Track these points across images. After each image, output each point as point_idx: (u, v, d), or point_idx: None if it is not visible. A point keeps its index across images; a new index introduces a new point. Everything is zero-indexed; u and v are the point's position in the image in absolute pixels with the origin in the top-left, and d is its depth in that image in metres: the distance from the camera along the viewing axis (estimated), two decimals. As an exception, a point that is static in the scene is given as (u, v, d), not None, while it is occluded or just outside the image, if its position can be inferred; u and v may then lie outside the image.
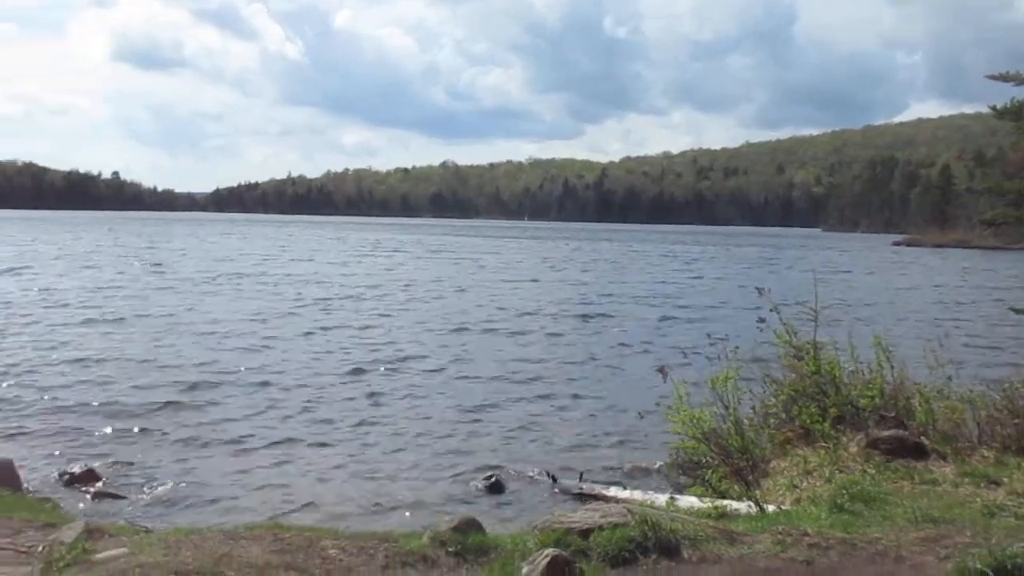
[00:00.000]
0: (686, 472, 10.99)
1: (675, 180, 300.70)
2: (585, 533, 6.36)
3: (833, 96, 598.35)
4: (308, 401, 16.59)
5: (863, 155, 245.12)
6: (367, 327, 27.35)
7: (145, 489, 11.46)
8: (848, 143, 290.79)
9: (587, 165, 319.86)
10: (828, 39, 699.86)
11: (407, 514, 10.65)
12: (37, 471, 11.83)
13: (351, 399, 16.96)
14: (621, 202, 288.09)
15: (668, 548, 6.21)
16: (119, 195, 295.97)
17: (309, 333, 25.52)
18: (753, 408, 10.76)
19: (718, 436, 9.65)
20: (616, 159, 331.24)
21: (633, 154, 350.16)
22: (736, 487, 9.31)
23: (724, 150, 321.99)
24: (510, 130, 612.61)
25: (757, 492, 8.77)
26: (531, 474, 12.51)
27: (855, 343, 10.86)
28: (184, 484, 11.68)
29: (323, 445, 13.76)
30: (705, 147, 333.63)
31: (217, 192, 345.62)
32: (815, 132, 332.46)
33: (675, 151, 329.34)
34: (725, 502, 8.49)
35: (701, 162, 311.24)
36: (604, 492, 10.89)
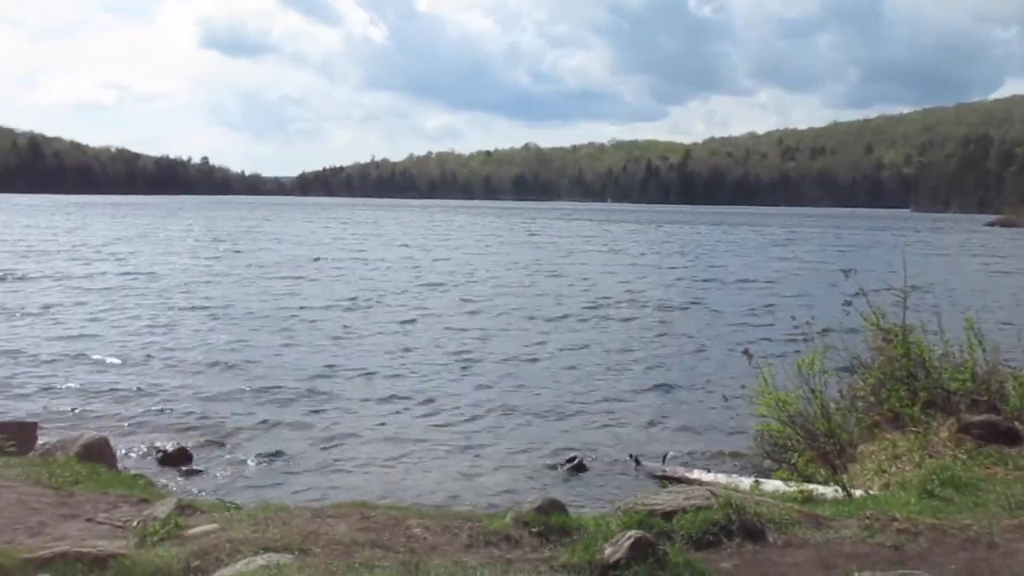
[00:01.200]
0: (771, 456, 10.86)
1: (760, 161, 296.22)
2: (668, 515, 6.33)
3: (924, 73, 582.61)
4: (394, 384, 16.75)
5: (955, 133, 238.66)
6: (457, 312, 27.49)
7: (234, 467, 11.71)
8: (940, 121, 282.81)
9: (670, 147, 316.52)
10: (919, 15, 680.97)
11: (491, 494, 10.71)
12: (131, 448, 12.16)
13: (438, 382, 17.09)
14: (705, 184, 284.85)
15: (753, 531, 6.15)
16: (208, 180, 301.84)
17: (404, 320, 25.59)
18: (840, 391, 10.58)
19: (804, 419, 9.52)
20: (700, 140, 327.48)
21: (717, 135, 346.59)
22: (822, 471, 9.17)
23: (811, 130, 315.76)
24: (593, 112, 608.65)
25: (844, 476, 8.63)
26: (614, 456, 12.49)
27: (945, 326, 10.59)
28: (272, 463, 11.90)
29: (409, 427, 13.90)
30: (791, 127, 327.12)
31: (303, 176, 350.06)
32: (905, 110, 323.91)
33: (760, 132, 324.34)
34: (811, 486, 8.38)
35: (787, 143, 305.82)
36: (687, 475, 10.82)
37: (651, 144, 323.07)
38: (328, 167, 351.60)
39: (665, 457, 12.17)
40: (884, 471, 8.71)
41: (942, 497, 7.08)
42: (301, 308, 26.94)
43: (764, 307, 29.73)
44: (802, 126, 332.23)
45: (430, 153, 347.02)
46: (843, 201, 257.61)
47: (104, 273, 36.55)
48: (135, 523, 6.24)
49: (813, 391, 9.46)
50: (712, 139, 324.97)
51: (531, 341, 21.90)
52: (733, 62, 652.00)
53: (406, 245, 62.02)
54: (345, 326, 23.66)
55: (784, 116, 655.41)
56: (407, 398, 15.66)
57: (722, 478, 10.14)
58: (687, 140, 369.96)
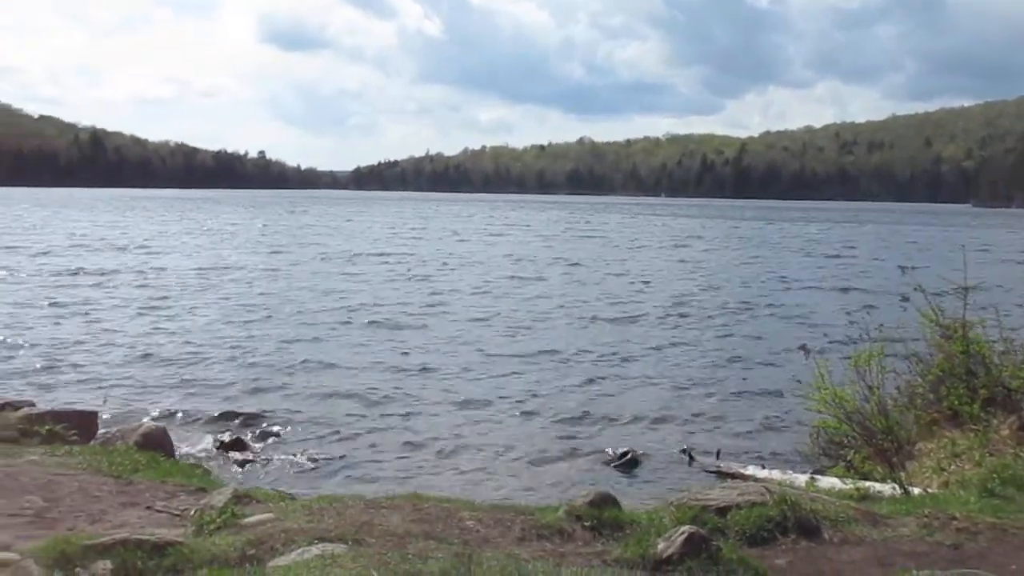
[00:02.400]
0: (827, 452, 10.74)
1: (817, 155, 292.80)
2: (722, 511, 6.29)
3: (986, 65, 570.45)
4: (449, 379, 16.79)
5: (1017, 127, 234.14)
6: (512, 308, 27.55)
7: (289, 458, 11.82)
8: (1002, 114, 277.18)
9: (726, 140, 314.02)
10: (982, 5, 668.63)
11: (543, 488, 10.72)
12: (189, 438, 12.32)
13: (491, 377, 17.12)
14: (760, 178, 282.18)
15: (808, 528, 6.10)
16: (265, 174, 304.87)
17: (467, 318, 25.68)
18: (898, 388, 10.43)
19: (861, 416, 9.41)
20: (756, 134, 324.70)
21: (773, 128, 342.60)
22: (879, 469, 9.05)
23: (869, 123, 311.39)
24: (647, 105, 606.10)
25: (902, 474, 8.52)
26: (667, 451, 12.45)
27: (1006, 323, 10.39)
28: (326, 455, 12.00)
29: (463, 420, 13.94)
30: (849, 121, 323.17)
31: (358, 170, 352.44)
32: (966, 103, 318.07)
33: (817, 125, 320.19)
34: (868, 484, 8.27)
35: (844, 136, 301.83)
36: (742, 471, 10.75)
37: (706, 138, 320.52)
38: (383, 161, 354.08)
39: (719, 453, 12.10)
40: (943, 469, 8.58)
41: (1003, 496, 6.96)
42: (363, 304, 27.07)
43: (820, 303, 29.41)
44: (860, 119, 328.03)
45: (484, 147, 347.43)
46: (901, 196, 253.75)
47: (165, 268, 37.05)
48: (193, 512, 6.33)
49: (870, 387, 9.34)
50: (768, 133, 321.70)
51: (585, 338, 21.83)
52: (790, 54, 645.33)
53: (467, 240, 62.16)
54: (404, 322, 23.72)
55: (842, 109, 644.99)
56: (462, 393, 15.70)
57: (777, 474, 10.06)
58: (743, 134, 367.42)
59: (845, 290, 33.32)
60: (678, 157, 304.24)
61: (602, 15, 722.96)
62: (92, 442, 9.56)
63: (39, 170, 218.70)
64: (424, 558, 5.12)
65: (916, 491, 7.71)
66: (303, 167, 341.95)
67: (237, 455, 11.76)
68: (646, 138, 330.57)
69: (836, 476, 9.24)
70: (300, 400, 14.86)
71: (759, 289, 33.58)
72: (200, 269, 36.27)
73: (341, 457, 11.91)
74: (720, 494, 6.66)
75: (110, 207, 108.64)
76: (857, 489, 7.92)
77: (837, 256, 52.72)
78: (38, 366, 16.85)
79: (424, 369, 17.44)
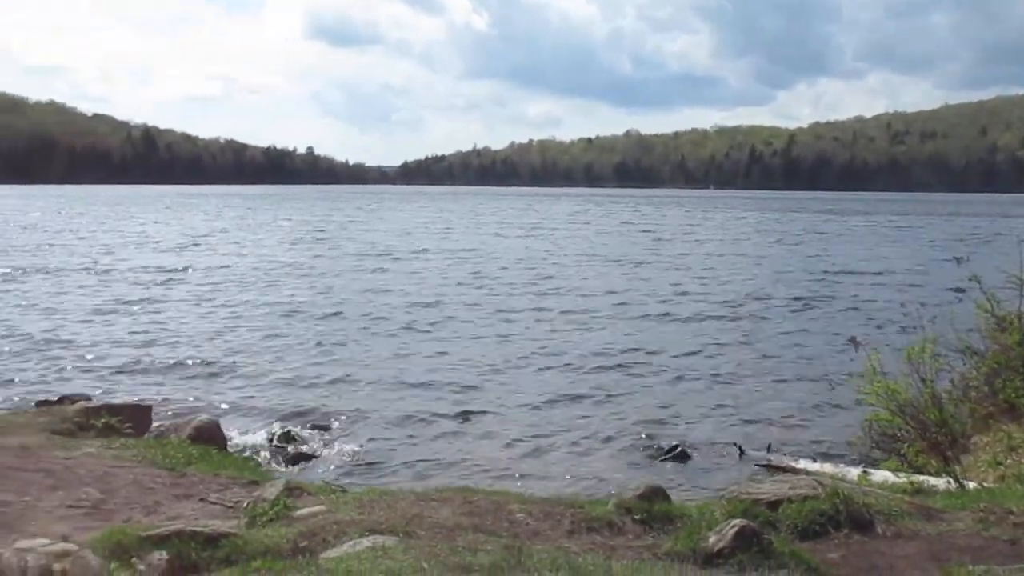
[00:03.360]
0: (879, 446, 10.62)
1: (867, 145, 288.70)
2: (774, 505, 6.25)
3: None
4: (499, 373, 16.82)
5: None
6: (569, 302, 27.56)
7: (340, 451, 11.90)
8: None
9: (775, 132, 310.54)
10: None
11: (593, 481, 10.71)
12: (241, 431, 12.44)
13: (542, 371, 17.14)
14: (810, 169, 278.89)
15: (861, 522, 6.04)
16: (313, 169, 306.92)
17: (516, 312, 25.78)
18: (952, 381, 10.29)
19: (914, 409, 9.28)
20: (805, 125, 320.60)
21: (823, 119, 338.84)
22: (934, 462, 8.94)
23: (921, 113, 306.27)
24: (695, 97, 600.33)
25: (956, 468, 8.40)
26: (717, 445, 12.37)
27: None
28: (376, 448, 12.07)
29: (512, 414, 13.96)
30: (900, 110, 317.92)
31: (405, 165, 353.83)
32: (1022, 92, 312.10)
33: (868, 115, 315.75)
34: (922, 477, 8.18)
35: (896, 126, 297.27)
36: (793, 464, 10.65)
37: (755, 129, 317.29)
38: (430, 156, 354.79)
39: (769, 446, 12.01)
40: (999, 463, 8.47)
41: (1061, 490, 6.85)
42: (419, 300, 27.16)
43: (873, 295, 29.04)
44: (911, 109, 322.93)
45: (531, 141, 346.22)
46: (955, 186, 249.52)
47: (224, 266, 37.49)
48: (245, 504, 6.40)
49: (923, 380, 9.21)
50: (818, 123, 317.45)
51: (635, 332, 21.77)
52: (841, 44, 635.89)
53: (514, 235, 62.21)
54: (457, 317, 23.77)
55: (893, 99, 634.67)
56: (512, 388, 15.72)
57: (828, 468, 9.96)
58: (793, 125, 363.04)
59: (898, 282, 32.88)
60: (726, 149, 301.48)
61: (650, 7, 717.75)
62: (146, 435, 9.69)
63: (92, 168, 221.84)
64: (474, 550, 5.14)
65: (971, 485, 7.61)
66: (351, 162, 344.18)
67: (288, 448, 11.86)
68: (694, 130, 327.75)
69: (889, 470, 9.14)
70: (350, 395, 14.96)
71: (810, 282, 33.20)
72: (256, 266, 36.61)
73: (391, 451, 11.98)
74: (771, 488, 6.62)
75: (165, 204, 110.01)
76: (911, 483, 7.82)
77: (890, 247, 52.05)
78: (93, 361, 17.13)
79: (475, 365, 17.45)
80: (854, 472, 9.27)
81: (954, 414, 9.49)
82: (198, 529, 5.27)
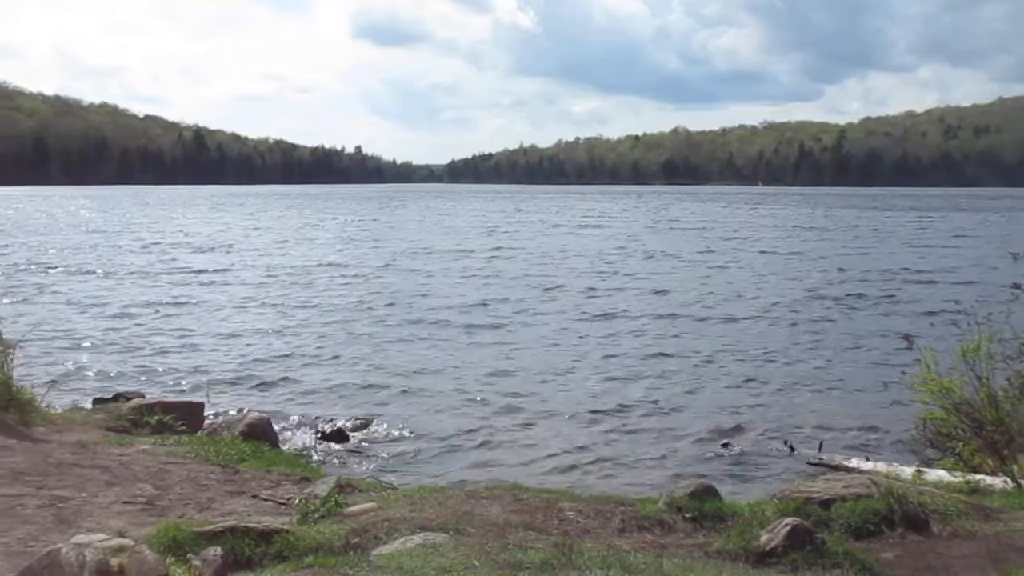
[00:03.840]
0: (934, 444, 10.46)
1: (919, 140, 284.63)
2: (826, 504, 6.20)
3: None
4: (547, 371, 16.78)
5: None
6: (625, 300, 27.49)
7: (390, 449, 11.95)
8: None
9: (824, 127, 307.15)
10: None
11: (643, 479, 10.65)
12: (291, 428, 12.55)
13: (590, 367, 17.10)
14: (860, 165, 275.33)
15: (916, 522, 5.97)
16: (361, 168, 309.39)
17: (565, 308, 25.72)
18: (1008, 379, 10.11)
19: (969, 407, 9.13)
20: (855, 120, 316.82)
21: (874, 114, 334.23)
22: (990, 462, 8.78)
23: (974, 107, 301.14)
24: (743, 93, 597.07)
25: (1014, 467, 8.26)
26: (768, 443, 12.27)
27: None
28: (426, 445, 12.10)
29: (560, 411, 13.93)
30: (953, 105, 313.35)
31: (452, 164, 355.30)
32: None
33: (919, 110, 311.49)
34: (978, 477, 8.06)
35: (948, 121, 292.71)
36: (845, 463, 10.54)
37: (803, 125, 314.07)
38: (477, 154, 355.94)
39: (821, 444, 11.89)
40: (1057, 462, 8.31)
41: (1122, 490, 6.72)
42: (472, 300, 27.14)
43: (926, 292, 28.67)
44: (965, 103, 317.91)
45: (578, 139, 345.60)
46: (1009, 181, 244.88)
47: (275, 266, 37.88)
48: (297, 500, 6.45)
49: (979, 378, 9.06)
50: (868, 119, 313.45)
51: (684, 328, 21.66)
52: (892, 38, 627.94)
53: (569, 232, 62.16)
54: (508, 317, 23.78)
55: (945, 93, 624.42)
56: (560, 386, 15.69)
57: (882, 466, 9.84)
58: (842, 120, 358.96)
59: (952, 279, 32.42)
60: (775, 145, 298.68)
61: (697, 3, 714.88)
62: (199, 432, 9.81)
63: (145, 169, 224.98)
64: (524, 548, 5.15)
65: (1029, 485, 7.48)
66: (399, 161, 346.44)
67: (338, 446, 11.92)
68: (742, 126, 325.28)
69: (944, 469, 9.01)
70: (400, 394, 15.00)
71: (863, 279, 32.76)
72: (304, 266, 36.88)
73: (440, 448, 12.00)
74: (824, 486, 6.56)
75: (214, 204, 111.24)
76: (967, 482, 7.72)
77: (944, 244, 51.30)
78: (147, 360, 17.36)
79: (524, 365, 17.39)
80: (908, 471, 9.15)
81: (1011, 412, 9.32)
82: (251, 525, 5.32)
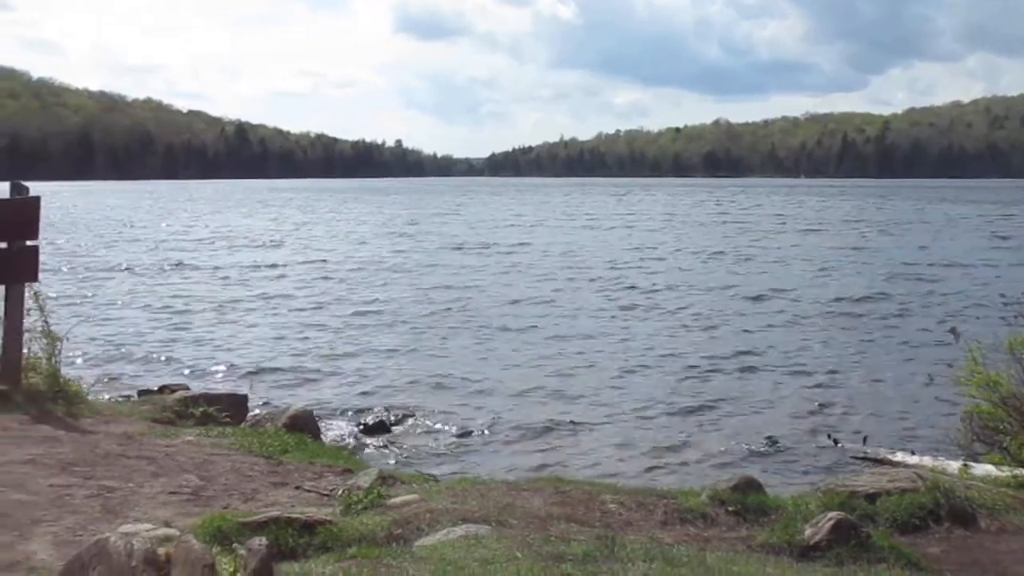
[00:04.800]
0: (980, 439, 10.31)
1: (965, 131, 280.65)
2: (871, 498, 6.15)
3: None
4: (589, 365, 16.74)
5: None
6: (660, 294, 27.45)
7: (431, 441, 11.99)
8: None
9: (867, 118, 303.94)
10: None
11: (685, 472, 10.61)
12: (334, 420, 12.62)
13: (633, 361, 17.05)
14: (905, 156, 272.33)
15: (963, 517, 5.91)
16: (402, 162, 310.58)
17: (607, 304, 25.71)
18: (1058, 373, 9.95)
19: (1017, 401, 9.00)
20: (900, 111, 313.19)
21: (918, 105, 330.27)
22: (1039, 456, 8.66)
23: (1022, 96, 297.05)
24: (786, 84, 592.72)
25: (1063, 462, 8.14)
26: (811, 436, 12.18)
27: None
28: (467, 437, 12.12)
29: (602, 405, 13.91)
30: (1000, 95, 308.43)
31: (492, 157, 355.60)
32: None
33: (965, 100, 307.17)
34: (1026, 471, 7.94)
35: (995, 111, 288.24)
36: (890, 456, 10.43)
37: (847, 116, 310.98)
38: (517, 147, 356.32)
39: (865, 438, 11.78)
40: (1108, 457, 8.17)
41: None
42: (511, 294, 27.15)
43: (972, 285, 28.30)
44: (1012, 92, 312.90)
45: (618, 131, 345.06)
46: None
47: (317, 261, 38.23)
48: (340, 492, 6.49)
49: (1027, 371, 8.93)
50: (913, 110, 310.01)
51: (725, 325, 21.51)
52: (939, 26, 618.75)
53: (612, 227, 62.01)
54: (551, 312, 23.72)
55: (993, 83, 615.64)
56: (602, 379, 15.66)
57: (927, 461, 9.73)
58: (886, 111, 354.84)
59: (999, 272, 32.00)
60: (818, 137, 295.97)
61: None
62: (243, 424, 9.88)
63: (188, 164, 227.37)
64: (567, 540, 5.15)
65: (1079, 480, 7.36)
66: (439, 155, 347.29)
67: (380, 438, 11.98)
68: (784, 118, 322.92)
69: (991, 463, 8.89)
70: (441, 387, 15.04)
71: (909, 271, 32.38)
72: (346, 261, 37.05)
73: (481, 441, 12.03)
74: (869, 480, 6.52)
75: (257, 199, 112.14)
76: (1014, 477, 7.61)
77: (990, 236, 50.57)
78: (191, 353, 17.55)
79: (567, 360, 17.30)
80: (954, 465, 9.04)
81: (1060, 406, 9.18)
82: (295, 516, 5.36)
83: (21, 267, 9.03)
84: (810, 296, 25.89)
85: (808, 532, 5.46)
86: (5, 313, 8.96)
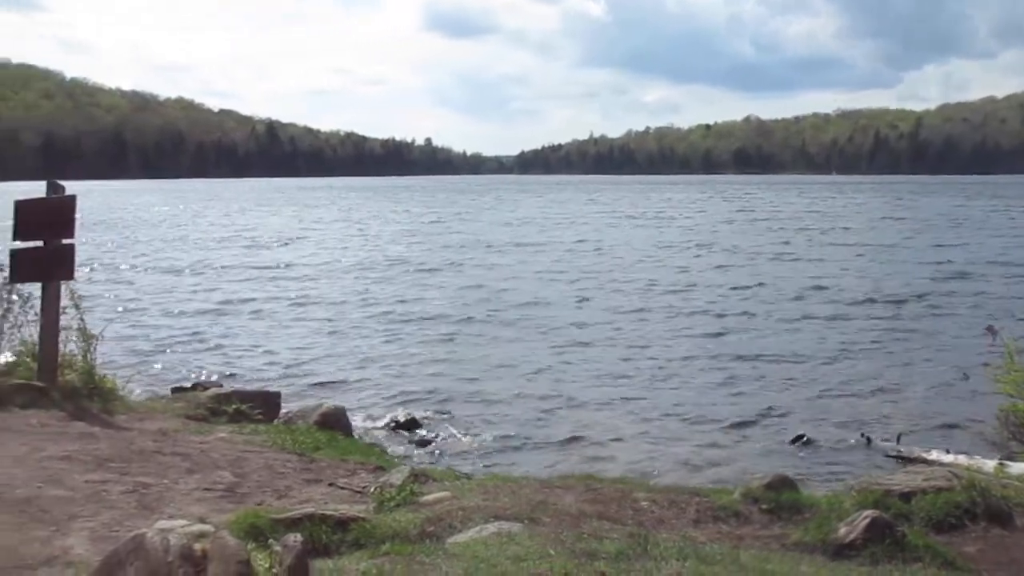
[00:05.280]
0: (1017, 437, 10.21)
1: (999, 126, 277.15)
2: (906, 496, 6.11)
3: None
4: (619, 364, 16.68)
5: None
6: (692, 293, 27.38)
7: (462, 438, 12.00)
8: None
9: (900, 114, 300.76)
10: None
11: (717, 470, 10.56)
12: (365, 417, 12.66)
13: (664, 360, 16.98)
14: (938, 152, 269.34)
15: (999, 515, 5.86)
16: (431, 160, 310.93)
17: (639, 301, 25.68)
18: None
19: (1054, 399, 8.91)
20: (933, 107, 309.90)
21: (952, 101, 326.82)
22: (1077, 455, 8.58)
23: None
24: (818, 81, 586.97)
25: (1101, 461, 8.06)
26: (844, 434, 12.09)
27: None
28: (498, 434, 12.12)
29: (632, 399, 13.90)
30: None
31: (522, 154, 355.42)
32: None
33: (1000, 95, 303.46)
34: (1063, 471, 7.86)
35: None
36: (924, 455, 10.36)
37: (879, 113, 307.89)
38: (547, 145, 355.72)
39: (899, 437, 11.69)
40: None
41: None
42: (542, 292, 27.16)
43: (1010, 282, 27.98)
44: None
45: (648, 128, 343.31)
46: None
47: (349, 260, 38.37)
48: (373, 489, 6.52)
49: (1063, 369, 8.83)
50: (946, 105, 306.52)
51: (757, 322, 21.38)
52: (973, 22, 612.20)
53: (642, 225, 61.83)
54: (582, 309, 23.71)
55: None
56: (632, 377, 15.63)
57: (963, 459, 9.64)
58: (920, 107, 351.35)
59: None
60: (849, 133, 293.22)
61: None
62: (275, 421, 9.93)
63: (219, 162, 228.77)
64: (599, 538, 5.14)
65: (1117, 479, 7.28)
66: (468, 153, 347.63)
67: (411, 435, 12.01)
68: (815, 114, 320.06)
69: (1028, 462, 8.81)
70: (471, 384, 15.06)
71: (944, 269, 31.98)
72: (380, 260, 37.15)
73: (512, 439, 12.01)
74: (903, 479, 6.48)
75: (287, 198, 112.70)
76: (1051, 476, 7.54)
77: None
78: (223, 351, 17.69)
79: (598, 358, 17.27)
80: (990, 464, 8.95)
81: (1098, 405, 9.08)
82: (328, 513, 5.39)
83: (57, 265, 9.12)
84: (845, 294, 25.68)
85: (843, 531, 5.43)
86: (42, 311, 9.06)
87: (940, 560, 5.19)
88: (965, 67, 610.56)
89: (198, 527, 4.98)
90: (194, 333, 19.52)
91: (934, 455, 10.31)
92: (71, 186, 9.33)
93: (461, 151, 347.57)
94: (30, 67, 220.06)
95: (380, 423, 12.49)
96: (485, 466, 10.45)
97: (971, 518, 5.81)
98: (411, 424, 12.41)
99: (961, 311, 22.43)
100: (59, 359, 9.17)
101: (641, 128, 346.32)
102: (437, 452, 11.37)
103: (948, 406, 13.49)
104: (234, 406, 9.59)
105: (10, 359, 9.67)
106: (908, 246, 41.95)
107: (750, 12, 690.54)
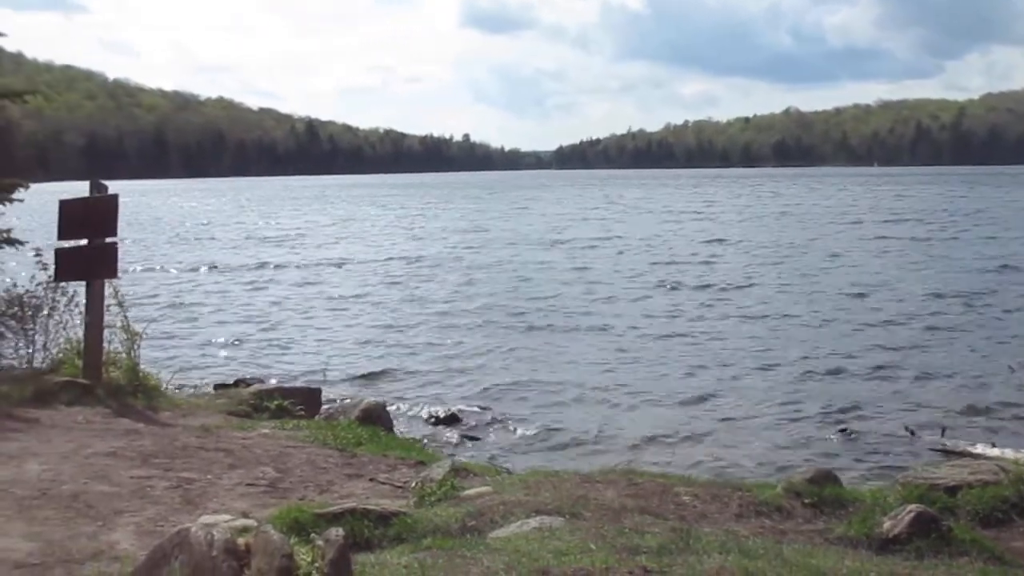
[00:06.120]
0: (1066, 430, 10.10)
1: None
2: (952, 490, 6.04)
3: None
4: (660, 359, 16.63)
5: None
6: (735, 286, 27.28)
7: (503, 433, 12.03)
8: None
9: (942, 104, 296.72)
10: None
11: (758, 464, 10.49)
12: (406, 412, 12.71)
13: (705, 355, 16.91)
14: (982, 143, 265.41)
15: (1048, 510, 5.77)
16: (470, 156, 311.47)
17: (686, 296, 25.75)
18: None
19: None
20: (976, 97, 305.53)
21: (995, 90, 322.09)
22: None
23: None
24: (858, 72, 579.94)
25: None
26: (887, 427, 11.97)
27: None
28: (539, 429, 12.12)
29: (672, 394, 13.86)
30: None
31: (560, 150, 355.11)
32: None
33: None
34: (1112, 464, 7.73)
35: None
36: (969, 449, 10.23)
37: (921, 103, 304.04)
38: (585, 140, 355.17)
39: (944, 430, 11.56)
40: None
41: None
42: (582, 291, 26.85)
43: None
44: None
45: (687, 122, 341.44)
46: None
47: (392, 257, 38.47)
48: (414, 484, 6.54)
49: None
50: (989, 95, 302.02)
51: (800, 316, 21.20)
52: (1018, 7, 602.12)
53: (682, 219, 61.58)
54: (624, 306, 23.57)
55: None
56: (671, 372, 15.57)
57: (1010, 453, 9.51)
58: (962, 97, 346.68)
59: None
60: (891, 124, 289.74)
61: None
62: (317, 417, 9.99)
63: (259, 160, 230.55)
64: (641, 532, 5.12)
65: None
66: (506, 148, 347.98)
67: (452, 431, 12.03)
68: (856, 106, 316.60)
69: (1077, 455, 8.69)
70: (512, 379, 15.06)
71: (992, 264, 31.39)
72: (425, 257, 37.15)
73: (553, 434, 12.00)
74: (949, 472, 6.40)
75: (328, 195, 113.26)
76: (1101, 469, 7.42)
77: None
78: (264, 347, 17.84)
79: (637, 355, 17.16)
80: (1038, 458, 8.83)
81: None
82: (370, 507, 5.41)
83: (101, 263, 9.24)
84: (888, 289, 25.37)
85: (887, 525, 5.37)
86: (86, 309, 9.18)
87: (987, 555, 5.13)
88: (1009, 54, 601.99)
89: (241, 522, 5.01)
90: (236, 330, 19.70)
91: (980, 448, 10.18)
92: (114, 186, 9.44)
93: (499, 147, 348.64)
94: (73, 68, 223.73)
95: (421, 419, 12.54)
96: (525, 461, 10.43)
97: (1019, 512, 5.74)
98: (452, 419, 12.44)
99: (1009, 304, 22.08)
100: (104, 356, 9.29)
101: (679, 122, 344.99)
102: (477, 447, 11.39)
103: (994, 399, 13.32)
104: (276, 402, 9.65)
105: (56, 356, 9.83)
106: (954, 239, 41.27)
107: (788, 3, 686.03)
